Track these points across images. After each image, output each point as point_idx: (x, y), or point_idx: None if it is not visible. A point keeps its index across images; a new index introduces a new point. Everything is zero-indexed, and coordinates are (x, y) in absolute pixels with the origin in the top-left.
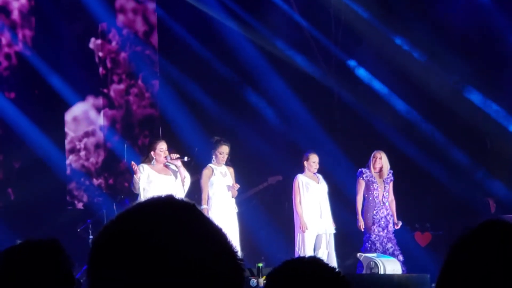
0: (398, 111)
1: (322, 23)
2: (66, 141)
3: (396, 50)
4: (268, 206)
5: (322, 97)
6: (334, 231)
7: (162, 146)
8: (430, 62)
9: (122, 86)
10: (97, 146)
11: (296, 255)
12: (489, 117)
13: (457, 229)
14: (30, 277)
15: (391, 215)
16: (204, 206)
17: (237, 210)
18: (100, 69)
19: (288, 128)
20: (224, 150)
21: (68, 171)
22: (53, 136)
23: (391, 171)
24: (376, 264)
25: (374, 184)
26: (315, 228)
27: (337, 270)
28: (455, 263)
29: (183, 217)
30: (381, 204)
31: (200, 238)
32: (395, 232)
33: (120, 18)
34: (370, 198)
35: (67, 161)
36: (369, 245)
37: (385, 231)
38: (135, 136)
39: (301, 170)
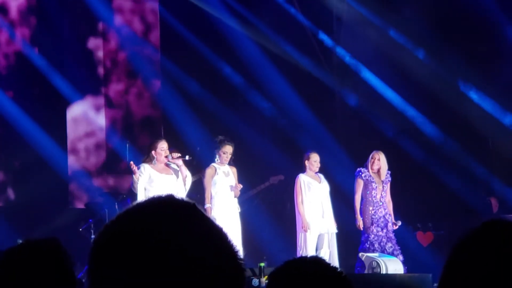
0: (400, 111)
1: (323, 21)
2: (67, 141)
3: (398, 48)
4: (270, 206)
5: (324, 97)
6: (336, 231)
7: (163, 145)
8: (432, 61)
9: (122, 86)
10: (98, 145)
11: (298, 255)
12: (491, 117)
13: (459, 229)
14: (30, 277)
15: (389, 215)
16: (207, 205)
17: (239, 210)
18: (100, 69)
19: (290, 127)
20: (227, 149)
21: (69, 171)
22: (54, 136)
23: (389, 172)
24: (378, 263)
25: (373, 184)
26: (317, 228)
27: (339, 269)
28: (456, 263)
29: (183, 216)
30: (379, 204)
31: (200, 237)
32: (397, 231)
33: (121, 16)
34: (369, 198)
35: (69, 161)
36: (368, 245)
37: (384, 230)
38: (136, 135)
39: (303, 169)
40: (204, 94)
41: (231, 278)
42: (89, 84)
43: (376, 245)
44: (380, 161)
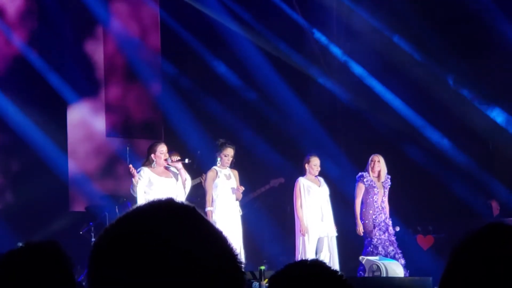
0: (400, 113)
1: (323, 24)
2: (68, 144)
3: (398, 51)
4: (270, 209)
5: (323, 99)
6: (336, 234)
7: (162, 148)
8: (431, 63)
9: (122, 89)
10: (98, 149)
11: (297, 259)
12: (491, 120)
13: (459, 232)
14: (30, 280)
15: (389, 219)
16: (209, 208)
17: (241, 213)
18: (100, 71)
19: (290, 130)
20: (229, 152)
21: (70, 174)
22: (54, 139)
23: (389, 177)
24: (378, 267)
25: (375, 189)
26: (316, 232)
27: (339, 273)
28: (456, 266)
29: (183, 219)
30: (380, 209)
31: (200, 240)
32: (397, 235)
33: (121, 19)
34: (370, 202)
35: (69, 164)
36: (371, 249)
37: (386, 234)
38: (136, 138)
39: (303, 173)
40: (204, 97)
41: (231, 280)
42: (89, 87)
43: (380, 248)
44: (380, 163)
